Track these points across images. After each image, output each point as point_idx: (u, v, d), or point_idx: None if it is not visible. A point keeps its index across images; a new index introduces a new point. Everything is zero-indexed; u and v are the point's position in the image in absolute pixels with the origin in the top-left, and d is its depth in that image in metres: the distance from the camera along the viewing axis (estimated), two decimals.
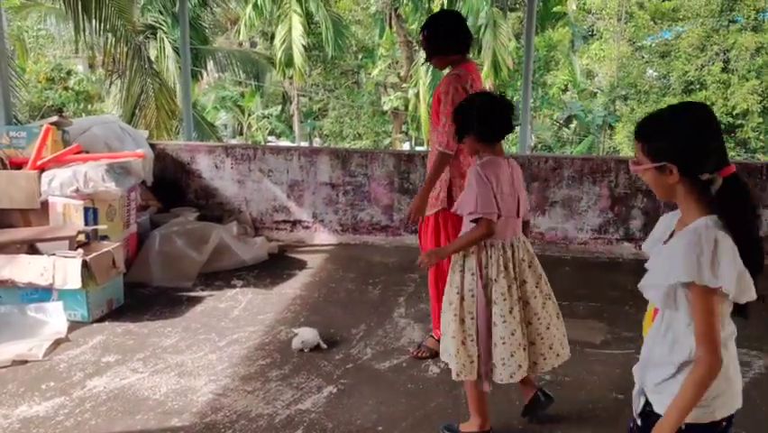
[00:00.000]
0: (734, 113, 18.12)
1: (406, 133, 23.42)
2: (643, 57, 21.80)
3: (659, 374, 1.66)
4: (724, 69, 18.55)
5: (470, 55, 3.56)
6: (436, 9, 18.04)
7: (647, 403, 1.71)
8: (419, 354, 3.63)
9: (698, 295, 1.52)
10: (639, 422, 1.75)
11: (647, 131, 1.62)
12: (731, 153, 18.00)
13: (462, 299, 2.68)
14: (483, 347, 2.66)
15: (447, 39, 3.42)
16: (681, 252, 1.52)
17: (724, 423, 1.66)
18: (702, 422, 1.61)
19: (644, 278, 1.66)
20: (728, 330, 1.64)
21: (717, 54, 18.72)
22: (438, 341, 3.64)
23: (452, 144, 3.27)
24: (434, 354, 3.62)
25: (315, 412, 3.05)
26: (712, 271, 1.49)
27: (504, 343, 2.64)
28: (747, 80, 17.90)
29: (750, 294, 1.58)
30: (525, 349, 2.70)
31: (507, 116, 2.63)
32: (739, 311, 1.63)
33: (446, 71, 3.52)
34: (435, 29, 3.45)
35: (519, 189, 2.74)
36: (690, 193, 1.59)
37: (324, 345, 3.74)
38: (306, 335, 3.76)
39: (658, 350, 1.68)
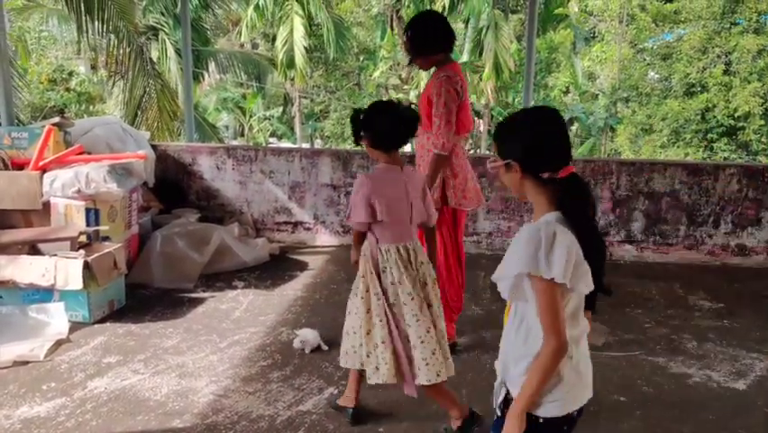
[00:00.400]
0: (735, 115, 18.10)
1: None
2: (644, 59, 21.79)
3: (519, 367, 1.70)
4: (725, 72, 18.53)
5: (453, 54, 3.59)
6: (438, 11, 18.06)
7: (508, 393, 1.76)
8: None
9: (538, 286, 1.60)
10: (499, 413, 1.80)
11: (499, 132, 1.77)
12: (732, 156, 18.02)
13: (369, 305, 2.73)
14: (404, 352, 2.71)
15: (431, 39, 3.45)
16: (522, 244, 1.61)
17: (575, 414, 1.73)
18: (558, 416, 1.69)
19: (496, 270, 1.73)
20: (580, 327, 1.73)
21: (718, 56, 18.70)
22: None
23: (447, 145, 3.31)
24: None
25: (317, 414, 3.05)
26: (547, 262, 1.57)
27: (423, 342, 2.69)
28: (749, 83, 17.88)
29: (588, 285, 1.65)
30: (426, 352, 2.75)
31: (399, 128, 2.68)
32: (588, 305, 1.72)
33: (431, 71, 3.55)
34: (419, 29, 3.47)
35: (413, 197, 2.74)
36: (537, 191, 1.69)
37: (326, 347, 3.74)
38: (307, 336, 3.76)
39: (514, 343, 1.74)
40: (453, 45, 3.53)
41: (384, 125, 2.68)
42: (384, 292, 2.71)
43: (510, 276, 1.65)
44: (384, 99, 3.09)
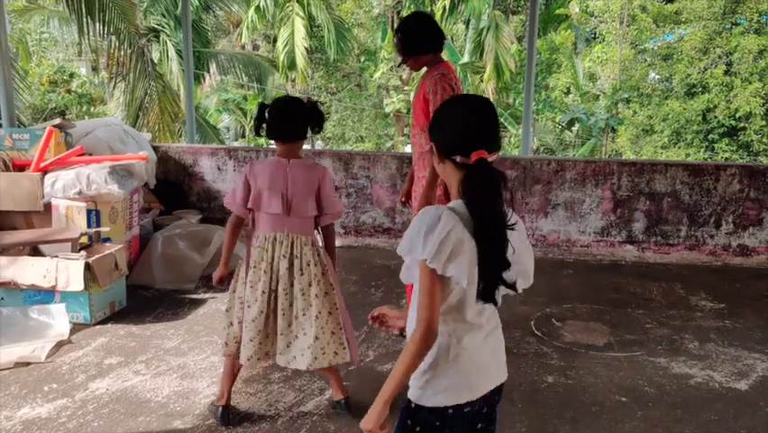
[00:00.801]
0: (737, 116, 18.08)
1: (409, 136, 23.43)
2: (645, 60, 21.77)
3: None
4: (726, 72, 18.51)
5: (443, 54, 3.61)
6: (438, 11, 18.07)
7: None
8: None
9: (419, 269, 1.57)
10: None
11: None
12: (733, 156, 18.00)
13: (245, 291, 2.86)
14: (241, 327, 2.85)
15: (421, 40, 3.48)
16: (412, 226, 1.60)
17: (450, 411, 1.65)
18: (425, 405, 1.64)
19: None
20: (467, 322, 1.64)
21: (719, 57, 18.68)
22: None
23: None
24: None
25: (318, 415, 3.05)
26: (423, 244, 1.54)
27: (247, 326, 2.79)
28: (750, 83, 17.86)
29: (467, 278, 1.56)
30: (268, 337, 2.83)
31: (287, 122, 2.81)
32: (485, 297, 1.60)
33: (422, 71, 3.58)
34: (409, 31, 3.50)
35: (294, 190, 2.79)
36: (451, 175, 1.65)
37: None
38: None
39: (408, 327, 1.73)
40: (443, 45, 3.57)
41: (272, 118, 2.81)
42: (254, 278, 2.81)
43: (403, 256, 1.64)
44: (290, 95, 3.16)
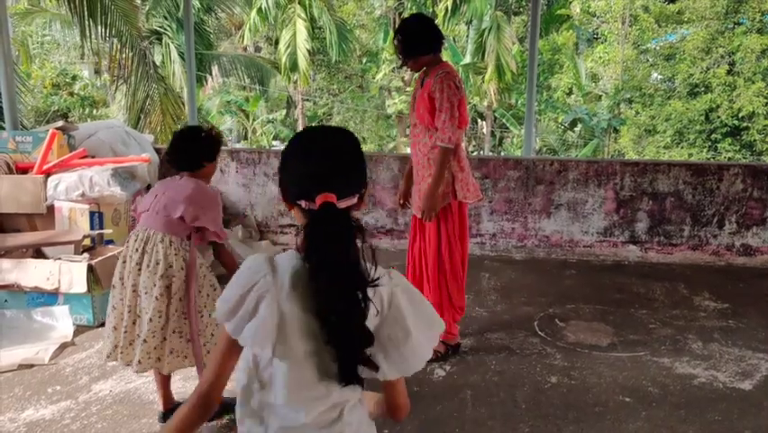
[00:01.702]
0: (740, 115, 18.06)
1: (409, 136, 23.39)
2: (647, 60, 21.75)
3: None
4: (729, 72, 18.49)
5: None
6: (440, 13, 18.08)
7: None
8: None
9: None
10: None
11: None
12: (737, 156, 17.96)
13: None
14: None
15: (421, 40, 3.51)
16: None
17: None
18: None
19: None
20: (279, 411, 1.34)
21: (722, 57, 18.66)
22: (443, 342, 3.64)
23: (453, 138, 3.39)
24: (440, 357, 3.62)
25: None
26: (221, 299, 1.33)
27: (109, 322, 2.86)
28: (753, 83, 17.84)
29: (263, 348, 1.28)
30: (121, 336, 2.82)
31: (177, 152, 2.94)
32: (345, 377, 1.30)
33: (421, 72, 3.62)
34: (409, 31, 3.53)
35: (165, 194, 2.85)
36: (300, 221, 1.37)
37: None
38: None
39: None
40: (442, 46, 3.59)
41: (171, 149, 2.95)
42: (121, 278, 2.84)
43: None
44: (191, 126, 3.28)
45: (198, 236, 2.86)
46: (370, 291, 1.28)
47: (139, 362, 2.74)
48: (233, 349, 1.34)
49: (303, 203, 1.33)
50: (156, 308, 2.72)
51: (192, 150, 2.89)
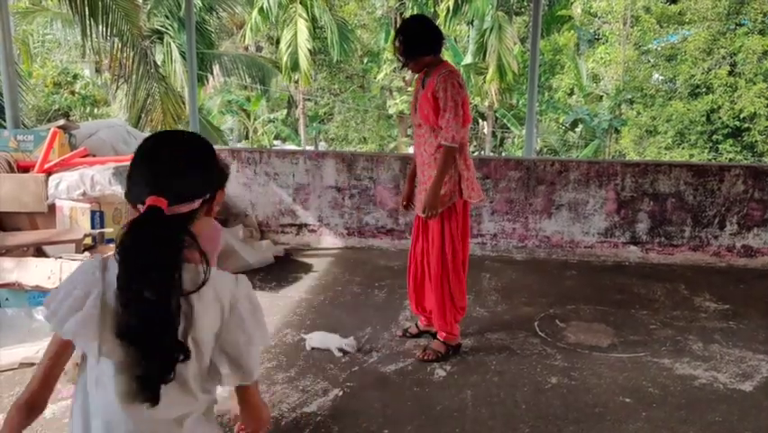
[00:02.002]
0: (741, 116, 18.06)
1: (411, 137, 23.42)
2: (649, 61, 21.75)
3: None
4: (731, 73, 18.49)
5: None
6: (442, 13, 18.07)
7: None
8: (425, 357, 3.62)
9: None
10: None
11: None
12: (738, 157, 17.95)
13: None
14: None
15: (422, 41, 3.52)
16: None
17: None
18: None
19: None
20: (91, 377, 1.31)
21: (723, 57, 18.66)
22: (444, 343, 3.65)
23: (457, 138, 3.39)
24: (441, 357, 3.62)
25: (321, 415, 3.05)
26: (50, 296, 1.32)
27: None
28: (754, 84, 17.83)
29: (87, 348, 1.26)
30: None
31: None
32: (144, 390, 1.25)
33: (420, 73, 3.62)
34: (410, 33, 3.54)
35: None
36: None
37: (339, 354, 3.70)
38: (328, 341, 3.76)
39: None
40: (443, 46, 3.61)
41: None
42: None
43: None
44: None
45: None
46: (209, 296, 1.27)
47: None
48: (64, 350, 1.33)
49: (139, 206, 1.31)
50: None
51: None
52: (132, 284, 1.21)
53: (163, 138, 1.43)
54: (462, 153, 3.51)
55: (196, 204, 1.33)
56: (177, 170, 1.33)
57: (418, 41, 3.50)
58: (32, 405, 1.37)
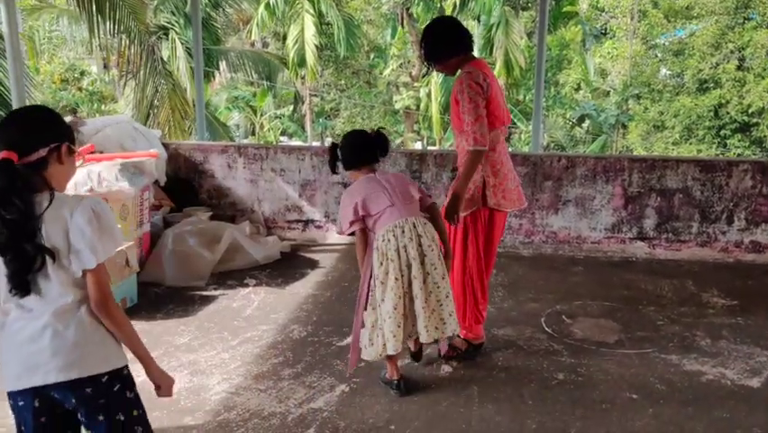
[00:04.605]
0: (749, 111, 17.95)
1: (418, 133, 23.40)
2: (656, 55, 21.65)
3: None
4: (739, 67, 18.37)
5: (475, 53, 3.53)
6: (448, 8, 18.03)
7: None
8: (446, 353, 3.56)
9: None
10: None
11: None
12: (746, 152, 17.85)
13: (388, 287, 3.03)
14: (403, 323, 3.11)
15: (445, 43, 3.41)
16: None
17: (10, 400, 1.81)
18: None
19: None
20: (6, 303, 1.76)
21: (731, 52, 18.54)
22: (465, 340, 3.61)
23: (480, 140, 3.21)
24: (461, 354, 3.60)
25: (328, 411, 3.06)
26: None
27: (391, 316, 3.03)
28: (763, 78, 17.72)
29: None
30: (408, 319, 3.10)
31: (361, 151, 3.16)
32: (16, 285, 1.71)
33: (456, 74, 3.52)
34: (431, 36, 3.45)
35: (391, 186, 3.07)
36: None
37: None
38: None
39: None
40: (471, 45, 3.48)
41: (348, 151, 3.17)
42: (398, 270, 2.99)
43: None
44: (355, 129, 3.47)
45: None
46: (55, 212, 1.71)
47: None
48: None
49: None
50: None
51: (379, 147, 3.15)
52: None
53: (11, 112, 1.87)
54: (489, 159, 3.34)
55: (44, 152, 1.73)
56: (18, 131, 1.75)
57: (439, 45, 3.41)
58: None
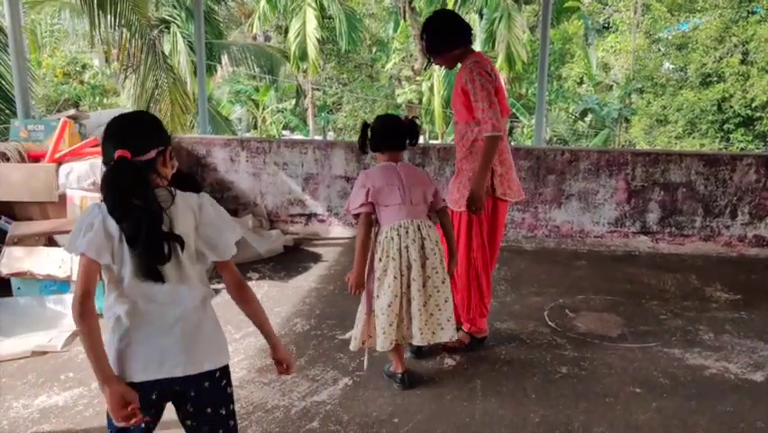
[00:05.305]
0: (753, 105, 17.90)
1: (421, 127, 23.35)
2: (659, 49, 21.59)
3: None
4: (743, 61, 18.32)
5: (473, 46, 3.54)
6: (450, 2, 17.98)
7: None
8: (449, 345, 3.55)
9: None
10: None
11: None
12: (749, 146, 17.80)
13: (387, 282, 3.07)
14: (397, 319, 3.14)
15: (446, 36, 3.42)
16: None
17: (140, 387, 1.78)
18: (128, 380, 1.80)
19: None
20: (132, 295, 1.77)
21: (735, 46, 18.48)
22: (468, 334, 3.62)
23: (498, 125, 3.24)
24: (465, 348, 3.60)
25: (331, 404, 3.06)
26: (78, 239, 1.73)
27: (383, 312, 3.07)
28: (767, 72, 17.66)
29: (106, 258, 1.73)
30: (403, 321, 3.12)
31: (392, 135, 3.14)
32: (145, 273, 1.74)
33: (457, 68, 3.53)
34: (431, 29, 3.46)
35: (408, 183, 3.06)
36: None
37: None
38: None
39: None
40: (471, 38, 3.49)
41: (377, 133, 3.15)
42: (398, 270, 3.03)
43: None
44: (390, 113, 3.46)
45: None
46: (181, 205, 1.77)
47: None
48: (91, 267, 1.74)
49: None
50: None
51: (408, 134, 3.15)
52: (123, 201, 1.67)
53: (120, 115, 1.88)
54: (498, 147, 3.36)
55: (153, 154, 1.78)
56: (132, 132, 1.81)
57: (439, 37, 3.42)
58: (82, 311, 1.78)
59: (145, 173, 1.74)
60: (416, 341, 3.06)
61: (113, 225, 1.70)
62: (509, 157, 3.51)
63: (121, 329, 1.80)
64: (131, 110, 2.07)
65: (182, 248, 1.75)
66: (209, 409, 1.85)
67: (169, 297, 1.77)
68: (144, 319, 1.77)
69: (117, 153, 1.72)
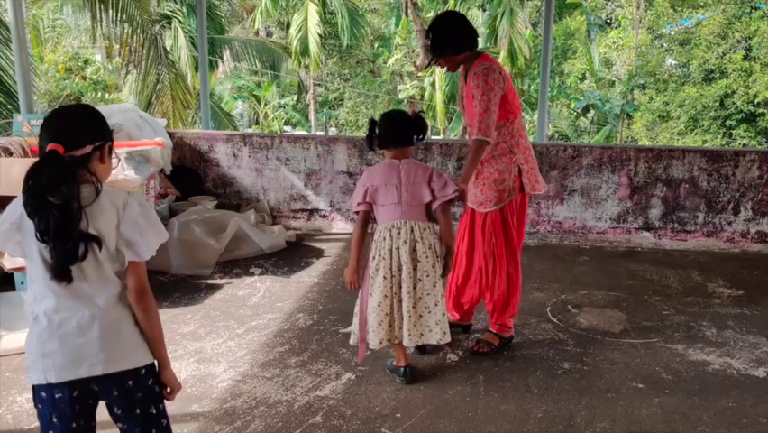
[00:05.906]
0: (755, 101, 17.85)
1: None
2: (662, 45, 21.53)
3: None
4: (746, 57, 18.26)
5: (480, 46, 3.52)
6: None
7: None
8: (478, 349, 3.54)
9: None
10: None
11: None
12: (752, 142, 17.75)
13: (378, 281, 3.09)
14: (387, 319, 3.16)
15: (449, 40, 3.41)
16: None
17: (43, 389, 1.77)
18: (33, 383, 1.78)
19: None
20: (49, 294, 1.74)
21: (738, 42, 18.42)
22: (497, 335, 3.60)
23: (485, 130, 3.27)
24: (494, 349, 3.57)
25: (334, 399, 3.07)
26: None
27: (373, 311, 3.10)
28: None
29: (17, 254, 1.76)
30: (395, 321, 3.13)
31: (397, 132, 3.11)
32: (56, 272, 1.70)
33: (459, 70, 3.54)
34: (437, 32, 3.44)
35: (407, 183, 3.04)
36: None
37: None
38: None
39: None
40: (476, 44, 3.48)
41: (383, 129, 3.12)
42: (388, 270, 3.05)
43: None
44: (396, 109, 3.42)
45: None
46: (106, 202, 1.76)
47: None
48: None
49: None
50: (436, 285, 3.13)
51: (416, 130, 3.14)
52: (37, 196, 1.65)
53: (61, 108, 1.89)
54: (520, 147, 3.44)
55: (88, 149, 1.76)
56: (66, 126, 1.79)
57: (445, 41, 3.41)
58: None
59: (73, 169, 1.71)
60: (405, 342, 3.07)
61: (29, 221, 1.69)
62: (532, 153, 3.56)
63: (39, 328, 1.76)
64: (74, 104, 2.11)
65: (99, 247, 1.72)
66: (138, 410, 1.83)
67: (87, 295, 1.75)
68: (61, 318, 1.74)
69: (49, 147, 1.70)
